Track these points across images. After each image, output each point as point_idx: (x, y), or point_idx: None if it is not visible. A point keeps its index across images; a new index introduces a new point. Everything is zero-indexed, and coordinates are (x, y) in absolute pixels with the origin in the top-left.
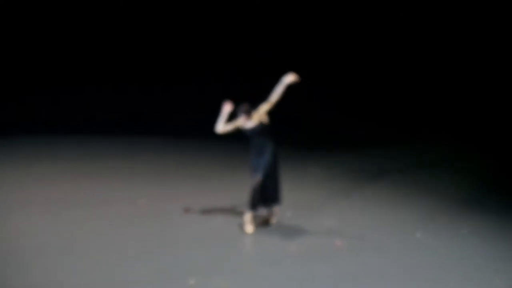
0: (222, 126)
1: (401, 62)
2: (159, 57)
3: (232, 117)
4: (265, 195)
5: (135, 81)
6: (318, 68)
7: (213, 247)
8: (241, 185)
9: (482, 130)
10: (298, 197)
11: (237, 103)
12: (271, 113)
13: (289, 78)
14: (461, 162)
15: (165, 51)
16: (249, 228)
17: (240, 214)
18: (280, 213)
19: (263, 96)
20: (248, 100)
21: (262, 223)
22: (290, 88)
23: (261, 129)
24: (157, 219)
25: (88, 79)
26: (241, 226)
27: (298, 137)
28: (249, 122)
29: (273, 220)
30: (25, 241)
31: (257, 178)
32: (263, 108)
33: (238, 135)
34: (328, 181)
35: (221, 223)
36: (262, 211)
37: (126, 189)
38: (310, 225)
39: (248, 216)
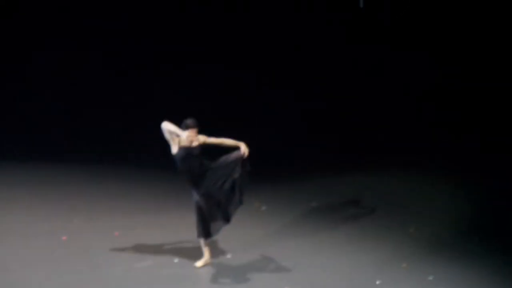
0: (168, 125)
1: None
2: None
3: None
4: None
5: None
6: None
7: None
8: (181, 219)
9: (471, 155)
10: (240, 234)
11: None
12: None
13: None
14: (432, 196)
15: None
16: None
17: (177, 252)
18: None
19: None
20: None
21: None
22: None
23: (199, 152)
24: (81, 258)
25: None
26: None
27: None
28: (194, 140)
29: (200, 264)
30: None
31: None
32: (204, 137)
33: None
34: (275, 216)
35: (157, 263)
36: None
37: (47, 222)
38: (255, 268)
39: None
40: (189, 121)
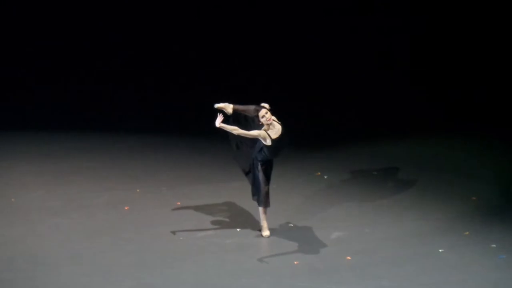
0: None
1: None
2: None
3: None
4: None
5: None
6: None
7: (204, 262)
8: (242, 189)
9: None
10: (301, 203)
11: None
12: None
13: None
14: (495, 163)
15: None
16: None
17: (239, 221)
18: (276, 224)
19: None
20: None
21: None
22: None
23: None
24: (140, 230)
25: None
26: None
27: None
28: (273, 129)
29: (264, 233)
30: None
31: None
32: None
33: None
34: (335, 184)
35: (219, 233)
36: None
37: (110, 192)
38: (315, 237)
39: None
40: (260, 105)
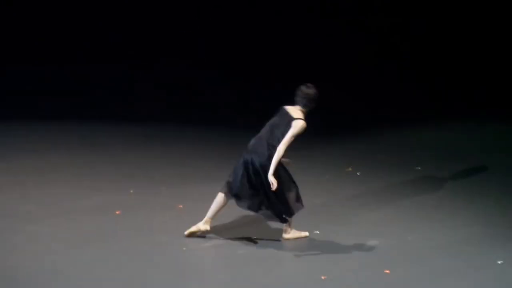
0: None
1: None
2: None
3: None
4: None
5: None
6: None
7: (213, 278)
8: None
9: None
10: (326, 207)
11: None
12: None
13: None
14: None
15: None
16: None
17: (253, 227)
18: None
19: None
20: None
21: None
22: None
23: None
24: (135, 239)
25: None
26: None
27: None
28: None
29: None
30: None
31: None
32: None
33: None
34: (369, 184)
35: (230, 242)
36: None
37: (98, 193)
38: (346, 246)
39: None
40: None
